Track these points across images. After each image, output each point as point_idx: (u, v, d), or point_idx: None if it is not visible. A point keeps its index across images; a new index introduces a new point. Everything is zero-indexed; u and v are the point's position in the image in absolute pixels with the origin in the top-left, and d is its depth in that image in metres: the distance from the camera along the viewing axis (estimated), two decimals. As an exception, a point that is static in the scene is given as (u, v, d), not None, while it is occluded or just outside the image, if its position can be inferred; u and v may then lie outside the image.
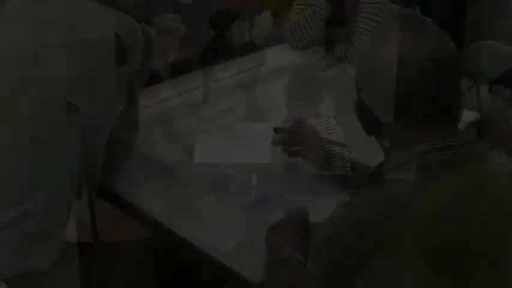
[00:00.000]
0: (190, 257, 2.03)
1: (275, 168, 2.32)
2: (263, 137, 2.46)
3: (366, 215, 1.42)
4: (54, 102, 1.89)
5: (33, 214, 1.90)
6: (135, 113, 2.18)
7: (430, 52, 1.47)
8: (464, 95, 1.53)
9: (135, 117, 2.19)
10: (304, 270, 1.57)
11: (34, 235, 1.92)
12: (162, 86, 2.81)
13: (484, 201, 1.44)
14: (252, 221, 2.02)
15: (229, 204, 2.11)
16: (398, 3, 4.66)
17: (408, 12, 4.11)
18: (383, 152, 1.60)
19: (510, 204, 1.49)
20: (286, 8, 3.67)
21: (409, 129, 1.48)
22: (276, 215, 1.88)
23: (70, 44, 1.86)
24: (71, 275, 1.99)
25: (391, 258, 1.37)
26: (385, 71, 1.48)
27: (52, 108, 1.89)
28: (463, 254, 1.39)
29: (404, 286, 1.37)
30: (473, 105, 5.04)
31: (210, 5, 4.07)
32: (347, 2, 3.36)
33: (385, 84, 1.49)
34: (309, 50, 3.39)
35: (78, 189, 2.13)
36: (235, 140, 2.49)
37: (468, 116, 3.00)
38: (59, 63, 1.86)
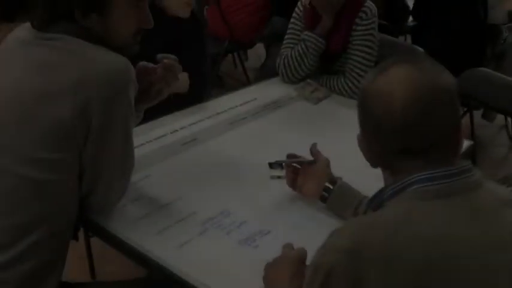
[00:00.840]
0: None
1: (271, 203, 2.33)
2: (258, 171, 2.48)
3: (356, 242, 1.42)
4: (51, 143, 1.90)
5: (32, 254, 1.93)
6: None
7: (424, 85, 1.48)
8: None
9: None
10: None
11: (33, 275, 1.95)
12: (158, 123, 2.81)
13: (479, 229, 1.45)
14: (248, 257, 2.02)
15: (225, 241, 2.11)
16: (390, 33, 4.72)
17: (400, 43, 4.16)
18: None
19: (506, 232, 1.49)
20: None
21: (406, 158, 1.50)
22: (272, 252, 1.87)
23: (63, 85, 1.87)
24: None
25: (384, 285, 1.37)
26: (383, 111, 1.50)
27: (48, 148, 1.90)
28: (456, 281, 1.39)
29: None
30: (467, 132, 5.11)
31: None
32: (339, 35, 3.37)
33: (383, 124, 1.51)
34: (302, 82, 3.39)
35: (74, 229, 2.13)
36: (230, 175, 2.49)
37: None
38: (54, 104, 1.87)
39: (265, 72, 4.04)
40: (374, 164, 1.61)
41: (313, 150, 2.32)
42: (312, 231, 2.15)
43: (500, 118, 5.46)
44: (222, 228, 2.16)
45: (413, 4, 5.15)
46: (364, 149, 1.61)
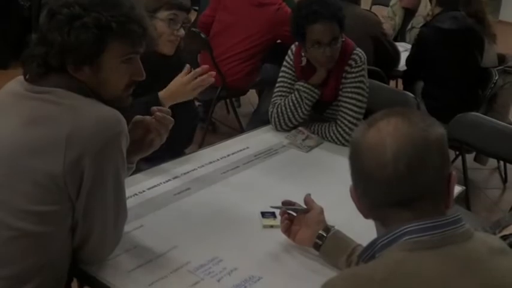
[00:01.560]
0: None
1: (263, 251, 2.34)
2: (251, 220, 2.49)
3: None
4: (44, 196, 1.92)
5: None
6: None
7: (414, 137, 1.50)
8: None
9: None
10: None
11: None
12: (151, 173, 2.83)
13: (471, 280, 1.46)
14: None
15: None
16: (381, 78, 4.77)
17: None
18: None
19: (498, 282, 1.50)
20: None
21: (397, 210, 1.51)
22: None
23: (55, 138, 1.89)
24: None
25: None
26: (375, 164, 1.52)
27: (41, 201, 1.92)
28: None
29: None
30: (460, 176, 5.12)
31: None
32: (330, 84, 3.41)
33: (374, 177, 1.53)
34: (294, 130, 3.41)
35: (68, 279, 2.14)
36: (223, 224, 2.50)
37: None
38: (46, 157, 1.90)
39: (258, 119, 4.06)
40: (366, 215, 1.63)
41: (307, 199, 2.34)
42: (303, 279, 2.19)
43: (492, 161, 5.49)
44: (213, 275, 2.17)
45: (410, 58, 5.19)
46: (356, 200, 1.63)
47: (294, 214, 2.34)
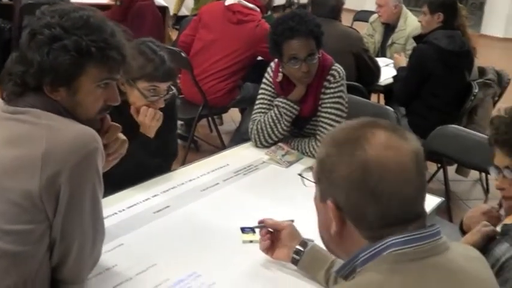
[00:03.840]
0: None
1: (242, 265, 2.34)
2: (231, 236, 2.50)
3: None
4: (20, 215, 1.92)
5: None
6: None
7: (393, 156, 1.49)
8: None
9: None
10: None
11: None
12: (131, 191, 2.83)
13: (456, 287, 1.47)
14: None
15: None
16: (362, 93, 4.80)
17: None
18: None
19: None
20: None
21: (377, 224, 1.50)
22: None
23: (31, 157, 1.90)
24: None
25: None
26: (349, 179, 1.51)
27: (18, 221, 1.92)
28: None
29: None
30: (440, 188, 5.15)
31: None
32: (309, 99, 3.43)
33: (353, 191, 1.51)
34: (273, 146, 3.43)
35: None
36: (203, 241, 2.50)
37: (433, 200, 3.05)
38: (23, 176, 1.90)
39: (239, 137, 4.07)
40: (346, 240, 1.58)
41: (269, 224, 2.37)
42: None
43: (474, 172, 5.52)
44: (193, 289, 2.18)
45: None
46: (341, 227, 1.57)
47: (272, 231, 2.35)
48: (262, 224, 2.37)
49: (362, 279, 1.49)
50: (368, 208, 1.48)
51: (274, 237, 2.34)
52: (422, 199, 1.53)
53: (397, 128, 1.58)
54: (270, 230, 2.35)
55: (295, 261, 2.27)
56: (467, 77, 5.09)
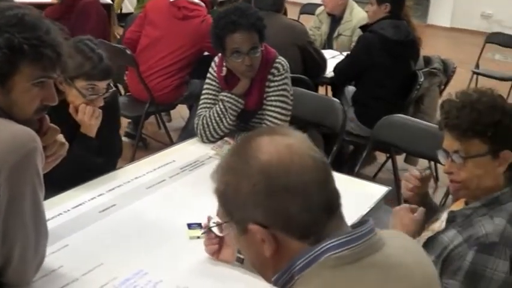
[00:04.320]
0: None
1: (189, 262, 2.34)
2: (177, 233, 2.49)
3: None
4: None
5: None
6: None
7: (287, 151, 1.47)
8: None
9: None
10: None
11: None
12: (76, 191, 2.80)
13: (398, 284, 1.47)
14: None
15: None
16: (308, 86, 4.81)
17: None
18: None
19: (418, 280, 1.53)
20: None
21: (307, 218, 1.45)
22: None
23: None
24: None
25: None
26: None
27: None
28: None
29: None
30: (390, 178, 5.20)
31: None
32: (254, 93, 3.43)
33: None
34: (219, 141, 3.43)
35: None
36: (149, 238, 2.49)
37: (380, 190, 3.08)
38: None
39: (187, 134, 4.06)
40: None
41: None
42: (229, 286, 2.22)
43: (424, 161, 5.56)
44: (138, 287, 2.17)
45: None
46: (271, 238, 1.49)
47: (216, 233, 2.31)
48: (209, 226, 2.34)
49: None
50: (291, 206, 1.43)
51: (220, 239, 2.33)
52: (333, 180, 1.50)
53: (275, 129, 1.58)
54: (217, 233, 2.30)
55: (240, 260, 2.27)
56: (413, 66, 5.14)
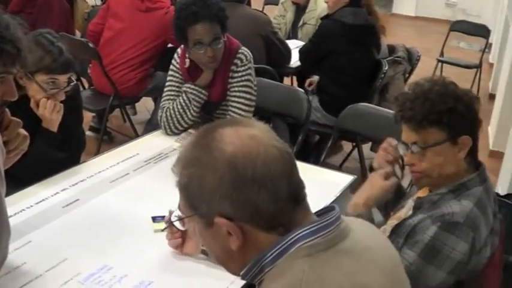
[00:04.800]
0: None
1: (154, 255, 2.34)
2: (142, 226, 2.48)
3: None
4: None
5: None
6: None
7: (252, 142, 1.45)
8: None
9: None
10: None
11: None
12: (38, 187, 2.77)
13: (369, 267, 1.48)
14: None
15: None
16: (272, 76, 4.80)
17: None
18: None
19: (391, 260, 1.57)
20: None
21: (274, 209, 1.43)
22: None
23: None
24: None
25: None
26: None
27: None
28: None
29: None
30: (357, 167, 5.22)
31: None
32: (217, 84, 3.42)
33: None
34: (184, 133, 3.41)
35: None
36: (113, 232, 2.48)
37: (346, 178, 3.09)
38: None
39: (152, 126, 4.04)
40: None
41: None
42: (193, 279, 2.21)
43: (390, 149, 5.58)
44: (103, 284, 2.16)
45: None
46: (238, 230, 1.47)
47: (179, 228, 2.29)
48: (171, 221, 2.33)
49: (284, 280, 1.42)
50: (258, 197, 1.40)
51: (183, 233, 2.31)
52: (297, 170, 1.49)
53: (237, 119, 1.55)
54: (179, 227, 2.28)
55: (205, 253, 2.27)
56: (376, 54, 5.16)
